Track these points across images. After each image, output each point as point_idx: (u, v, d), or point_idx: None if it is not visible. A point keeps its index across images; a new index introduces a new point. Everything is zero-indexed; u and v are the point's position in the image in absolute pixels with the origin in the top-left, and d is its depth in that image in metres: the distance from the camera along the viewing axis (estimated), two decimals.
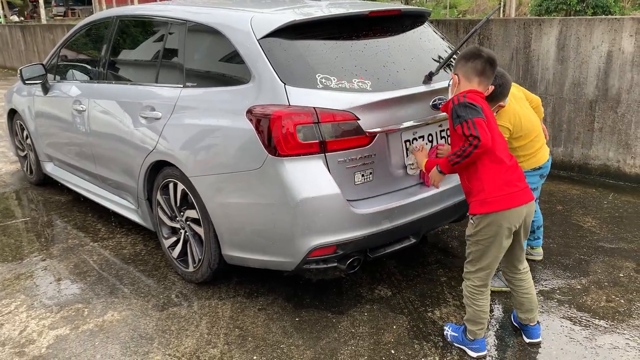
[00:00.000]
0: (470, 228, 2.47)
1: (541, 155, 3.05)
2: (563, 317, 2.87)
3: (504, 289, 3.08)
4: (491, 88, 2.55)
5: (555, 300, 3.03)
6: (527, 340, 2.67)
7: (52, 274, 3.54)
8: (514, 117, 2.90)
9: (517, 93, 3.03)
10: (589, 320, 2.84)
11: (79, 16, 30.27)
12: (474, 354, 2.58)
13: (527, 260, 3.28)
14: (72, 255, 3.79)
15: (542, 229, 3.40)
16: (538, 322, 2.68)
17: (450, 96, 2.48)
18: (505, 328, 2.81)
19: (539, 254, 3.45)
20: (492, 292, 3.06)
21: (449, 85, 2.56)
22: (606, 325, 2.79)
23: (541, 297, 3.05)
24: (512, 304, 2.73)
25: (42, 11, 15.45)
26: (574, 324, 2.81)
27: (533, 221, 3.29)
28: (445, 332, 2.73)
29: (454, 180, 3.05)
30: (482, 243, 2.43)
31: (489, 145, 2.26)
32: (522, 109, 2.96)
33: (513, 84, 3.08)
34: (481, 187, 2.38)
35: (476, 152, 2.26)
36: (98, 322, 2.97)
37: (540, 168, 3.05)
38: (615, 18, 4.61)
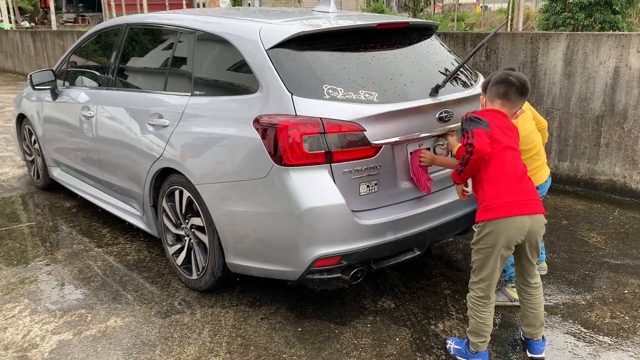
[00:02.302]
0: (475, 236, 2.50)
1: (539, 175, 3.01)
2: (567, 333, 2.86)
3: (508, 303, 3.07)
4: (520, 112, 2.60)
5: (559, 315, 3.01)
6: (529, 355, 2.66)
7: (56, 278, 3.55)
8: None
9: (526, 111, 3.02)
10: (592, 337, 2.82)
11: (89, 23, 30.53)
12: None
13: None
14: (77, 260, 3.80)
15: (542, 243, 3.35)
16: (543, 338, 2.67)
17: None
18: (509, 343, 2.79)
19: (543, 268, 3.43)
20: (497, 306, 3.05)
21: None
22: (610, 342, 2.77)
23: (545, 312, 3.04)
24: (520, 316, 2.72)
25: (53, 17, 15.60)
26: (577, 340, 2.80)
27: None
28: (448, 345, 2.72)
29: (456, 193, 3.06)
30: (483, 252, 2.46)
31: (483, 151, 2.34)
32: (524, 124, 2.95)
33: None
34: (484, 195, 2.44)
35: (472, 158, 2.36)
36: (101, 328, 2.97)
37: (537, 188, 3.02)
38: (623, 34, 4.62)
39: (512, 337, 2.83)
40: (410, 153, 2.92)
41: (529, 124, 3.00)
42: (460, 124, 2.53)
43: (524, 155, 2.95)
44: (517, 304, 3.07)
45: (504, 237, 2.39)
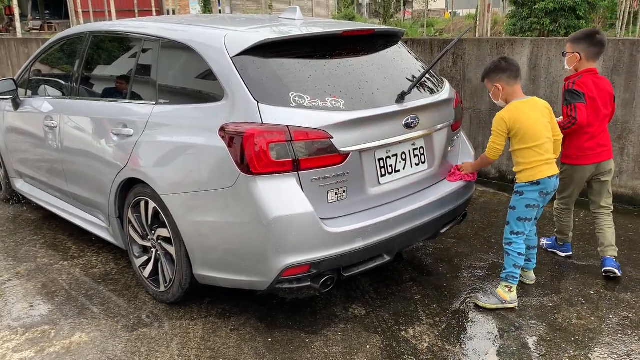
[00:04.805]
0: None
1: (540, 170, 3.01)
2: (534, 335, 2.89)
3: (500, 306, 3.09)
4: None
5: (527, 317, 3.05)
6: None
7: (19, 294, 3.44)
8: (515, 112, 3.00)
9: (543, 109, 3.07)
10: (560, 338, 2.86)
11: (55, 30, 29.89)
12: (562, 254, 3.73)
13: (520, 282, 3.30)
14: (41, 274, 3.69)
15: (535, 250, 3.34)
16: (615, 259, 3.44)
17: (566, 65, 3.46)
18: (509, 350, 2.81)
19: (529, 277, 3.38)
20: (490, 309, 3.08)
21: (564, 54, 3.47)
22: (577, 343, 2.81)
23: (512, 315, 3.07)
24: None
25: (18, 25, 15.21)
26: (545, 342, 2.83)
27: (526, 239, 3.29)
28: (541, 243, 3.76)
29: (427, 198, 3.08)
30: (563, 181, 3.39)
31: (583, 124, 3.28)
32: (532, 112, 3.01)
33: (545, 104, 3.12)
34: (566, 146, 3.37)
35: (573, 127, 3.29)
36: (65, 344, 2.89)
37: (538, 183, 3.02)
38: None
39: (509, 344, 2.85)
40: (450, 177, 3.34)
41: (537, 115, 3.03)
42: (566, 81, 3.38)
43: (523, 143, 3.01)
44: (509, 306, 3.09)
45: (579, 177, 3.46)
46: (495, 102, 3.19)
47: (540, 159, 3.02)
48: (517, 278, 3.11)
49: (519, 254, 3.10)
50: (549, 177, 3.04)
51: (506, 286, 3.12)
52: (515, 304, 3.11)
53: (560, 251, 3.76)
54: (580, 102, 3.26)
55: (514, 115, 3.01)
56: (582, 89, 3.29)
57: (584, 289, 3.34)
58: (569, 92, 3.32)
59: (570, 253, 3.74)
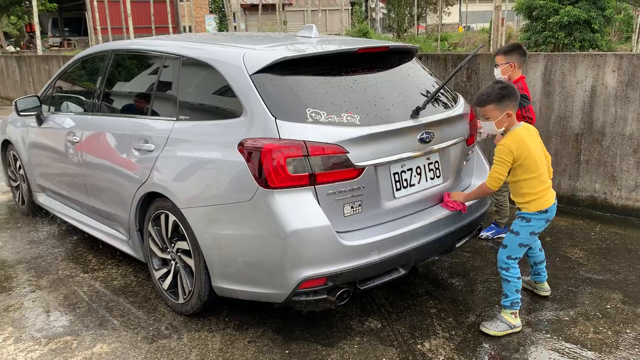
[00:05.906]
0: None
1: (547, 198, 2.99)
2: (551, 349, 2.89)
3: (509, 331, 3.02)
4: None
5: (544, 331, 3.05)
6: None
7: (42, 305, 3.52)
8: (521, 142, 2.93)
9: (535, 134, 3.09)
10: (576, 352, 2.86)
11: (74, 47, 30.51)
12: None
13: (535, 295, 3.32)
14: (62, 286, 3.77)
15: (544, 264, 3.35)
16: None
17: (499, 74, 3.89)
18: None
19: (544, 289, 3.40)
20: (498, 336, 3.02)
21: (497, 66, 3.93)
22: (593, 357, 2.81)
23: (529, 329, 3.07)
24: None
25: (38, 42, 15.57)
26: (561, 356, 2.83)
27: (529, 256, 3.29)
28: (484, 236, 4.21)
29: (442, 212, 3.11)
30: None
31: (534, 121, 3.66)
32: (532, 140, 2.99)
33: (534, 129, 3.14)
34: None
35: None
36: (87, 355, 2.95)
37: (546, 212, 2.99)
38: (599, 54, 4.75)
39: (525, 358, 2.86)
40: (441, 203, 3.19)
41: (536, 145, 3.04)
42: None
43: (529, 172, 2.96)
44: (516, 330, 3.05)
45: None
46: (497, 129, 2.99)
47: (544, 187, 2.99)
48: (519, 303, 3.05)
49: (519, 278, 3.04)
50: (553, 204, 3.03)
51: (512, 313, 3.05)
52: (520, 328, 3.06)
53: (504, 233, 3.99)
54: (530, 105, 3.81)
55: (521, 144, 2.92)
56: (526, 92, 3.82)
57: (600, 303, 3.34)
58: (521, 97, 3.52)
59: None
